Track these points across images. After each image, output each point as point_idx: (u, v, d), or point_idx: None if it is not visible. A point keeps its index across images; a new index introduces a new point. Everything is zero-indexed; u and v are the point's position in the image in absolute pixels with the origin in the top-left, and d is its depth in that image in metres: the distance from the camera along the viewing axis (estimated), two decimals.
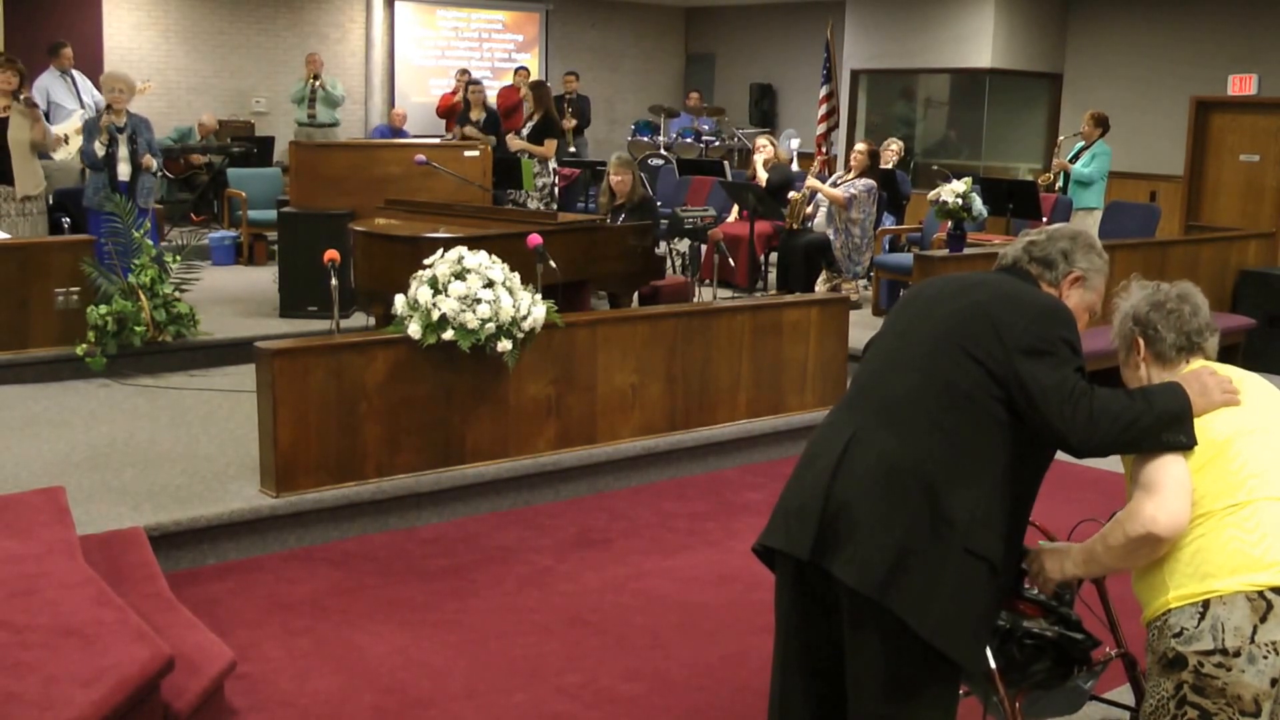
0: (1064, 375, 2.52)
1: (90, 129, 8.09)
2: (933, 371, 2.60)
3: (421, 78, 15.97)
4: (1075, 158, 10.46)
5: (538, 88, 11.27)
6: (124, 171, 8.08)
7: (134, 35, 13.91)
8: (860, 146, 9.75)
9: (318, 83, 12.90)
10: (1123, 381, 2.84)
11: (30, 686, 3.01)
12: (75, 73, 10.56)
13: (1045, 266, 2.79)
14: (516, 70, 14.37)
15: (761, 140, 10.10)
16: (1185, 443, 2.52)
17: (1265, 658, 2.38)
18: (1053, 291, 2.76)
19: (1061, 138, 11.98)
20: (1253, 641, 2.39)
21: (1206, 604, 2.43)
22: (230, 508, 4.91)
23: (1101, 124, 10.37)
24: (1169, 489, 2.48)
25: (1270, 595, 2.40)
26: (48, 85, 10.32)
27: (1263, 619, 2.39)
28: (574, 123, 13.77)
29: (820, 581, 2.61)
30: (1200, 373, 2.63)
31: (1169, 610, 2.49)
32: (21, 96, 8.17)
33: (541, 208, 10.40)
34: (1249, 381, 2.65)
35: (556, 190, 11.00)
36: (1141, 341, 2.73)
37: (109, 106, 8.09)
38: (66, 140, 9.20)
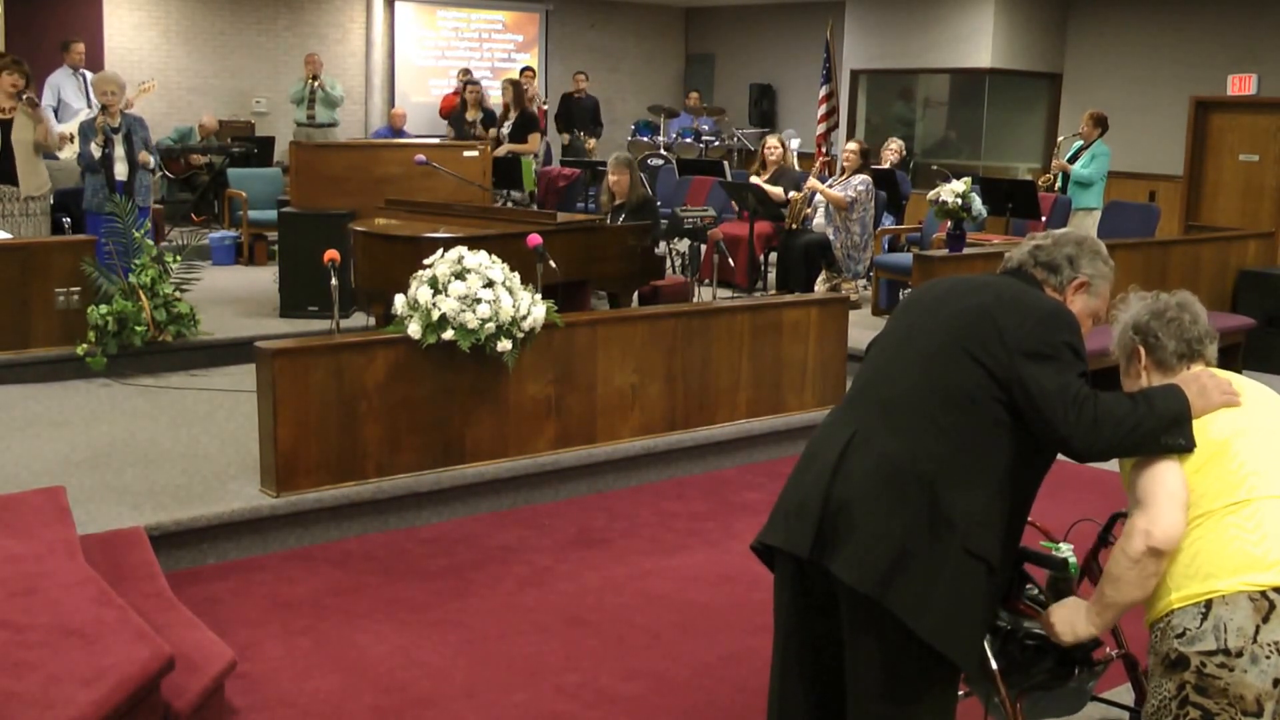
0: (1067, 380, 2.53)
1: (85, 132, 8.09)
2: (935, 372, 2.61)
3: (421, 78, 15.98)
4: (1074, 158, 10.46)
5: (514, 86, 11.37)
6: (121, 171, 8.09)
7: (134, 35, 13.92)
8: (851, 146, 9.75)
9: (316, 83, 12.89)
10: (1123, 389, 2.85)
11: (31, 686, 3.01)
12: (86, 72, 10.56)
13: (1050, 271, 2.79)
14: (522, 71, 14.39)
15: (772, 141, 10.06)
16: (1184, 445, 2.54)
17: (1268, 658, 2.39)
18: (1057, 297, 2.77)
19: (1060, 138, 11.98)
20: (1255, 641, 2.39)
21: (1209, 604, 2.44)
22: (230, 507, 4.92)
23: (1100, 124, 10.37)
24: (1160, 501, 2.51)
25: (1273, 595, 2.41)
26: (59, 83, 10.32)
27: (1265, 619, 2.40)
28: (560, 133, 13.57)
29: (819, 580, 2.62)
30: (1200, 375, 2.65)
31: (1171, 611, 2.49)
32: (25, 96, 8.17)
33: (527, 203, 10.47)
34: (1247, 385, 2.68)
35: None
36: (1142, 349, 2.74)
37: (104, 108, 8.09)
38: (72, 139, 9.20)
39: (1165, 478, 2.53)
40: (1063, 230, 2.90)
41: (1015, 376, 2.54)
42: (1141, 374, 2.76)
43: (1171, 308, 2.74)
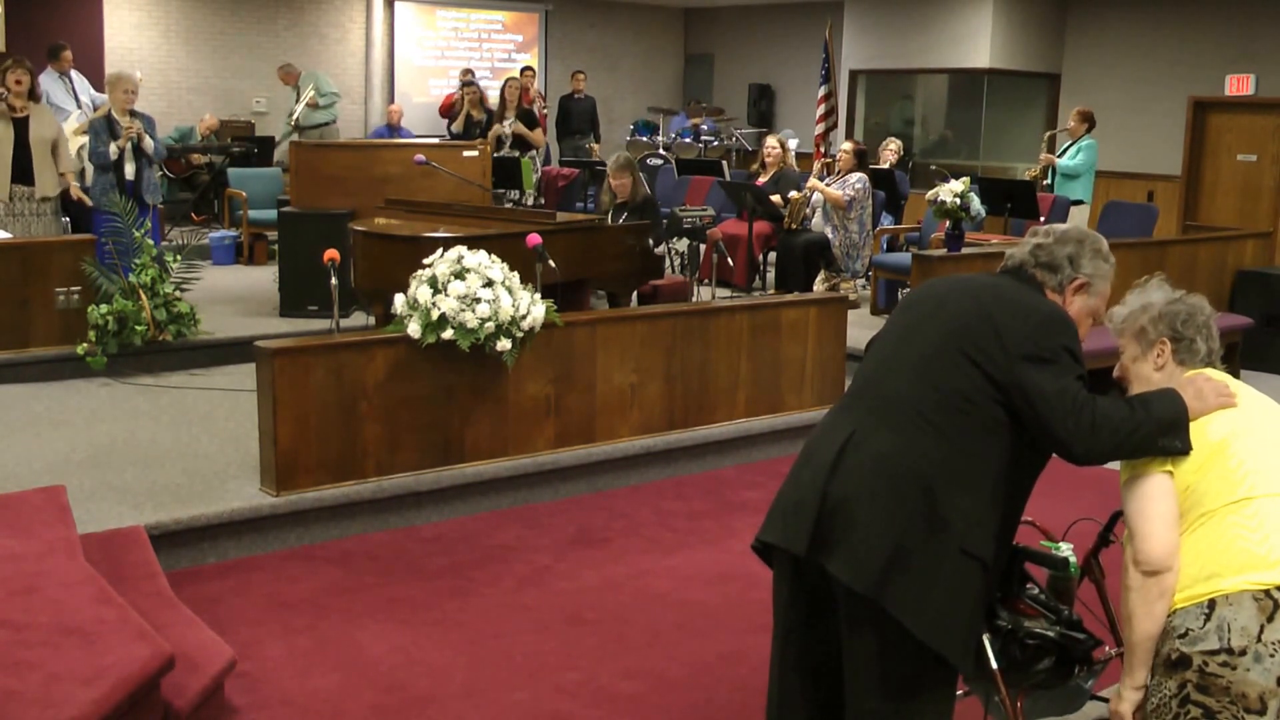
0: (1065, 384, 2.54)
1: (98, 130, 8.08)
2: (933, 373, 2.62)
3: (421, 78, 15.98)
4: (1062, 154, 10.49)
5: (517, 85, 11.43)
6: (130, 171, 8.09)
7: (134, 35, 13.92)
8: (846, 145, 9.75)
9: (297, 94, 12.73)
10: (1121, 374, 2.85)
11: (31, 685, 3.02)
12: (74, 73, 10.56)
13: (1050, 271, 2.79)
14: (523, 70, 14.38)
15: (771, 142, 10.05)
16: (1181, 448, 2.57)
17: (1272, 656, 2.39)
18: (1057, 298, 2.77)
19: (1049, 133, 11.98)
20: (1259, 640, 2.40)
21: (1212, 604, 2.45)
22: (230, 506, 4.92)
23: (1087, 120, 10.40)
24: (1141, 525, 2.55)
25: (1277, 594, 2.42)
26: (47, 87, 10.29)
27: (1270, 618, 2.40)
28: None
29: (817, 578, 2.63)
30: (1195, 378, 2.68)
31: (1174, 611, 2.50)
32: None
33: (530, 203, 10.45)
34: (1241, 388, 2.70)
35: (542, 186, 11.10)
36: (1170, 345, 2.76)
37: (131, 111, 8.09)
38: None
39: (1146, 502, 2.56)
40: (1064, 226, 2.88)
41: (1014, 380, 2.55)
42: (1156, 366, 2.77)
43: (1204, 312, 2.79)
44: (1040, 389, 2.53)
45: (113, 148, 7.96)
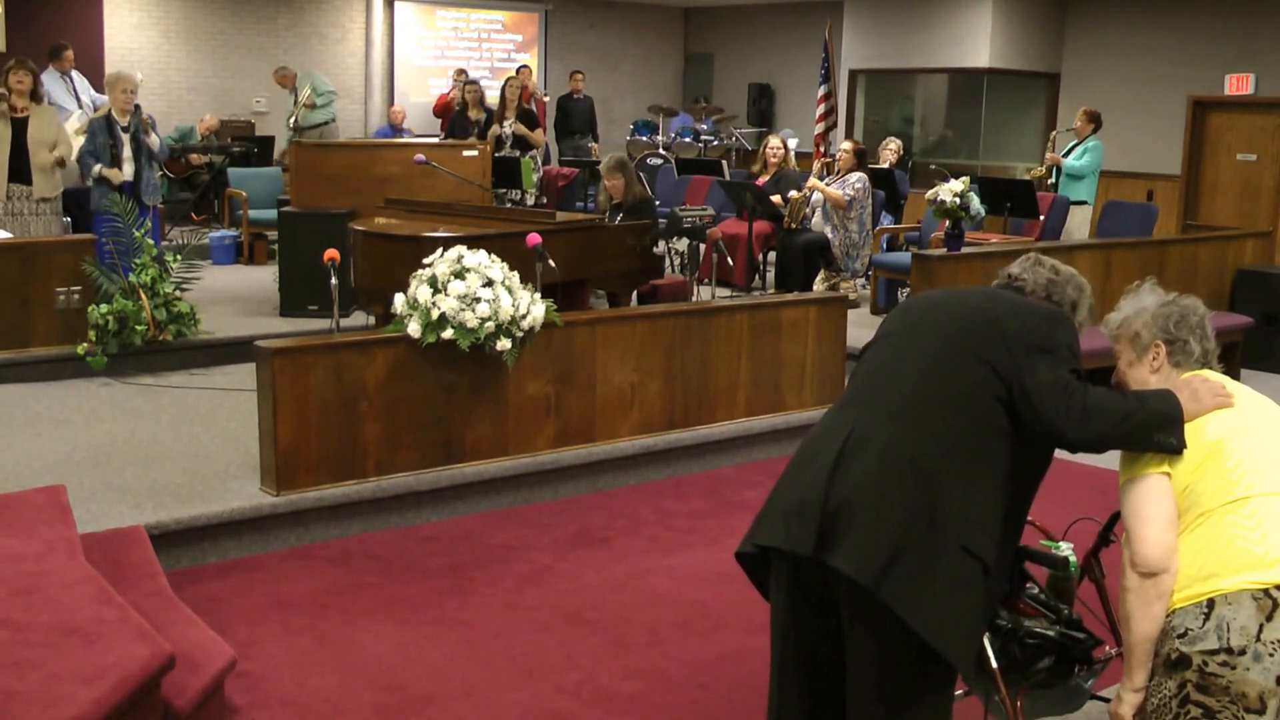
0: (1060, 374, 2.59)
1: (96, 131, 8.08)
2: (936, 373, 2.65)
3: (421, 78, 15.98)
4: (1068, 154, 10.49)
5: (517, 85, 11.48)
6: (128, 172, 8.09)
7: (134, 35, 13.93)
8: (846, 145, 9.75)
9: (295, 97, 12.75)
10: (1118, 379, 2.87)
11: (31, 684, 3.02)
12: (74, 73, 10.56)
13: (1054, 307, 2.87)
14: (519, 69, 14.38)
15: (774, 142, 10.05)
16: (1175, 445, 2.58)
17: (1271, 655, 2.39)
18: None
19: (1054, 132, 11.98)
20: (1259, 640, 2.40)
21: (1211, 603, 2.45)
22: (231, 506, 4.93)
23: (1094, 120, 10.40)
24: (1136, 528, 2.55)
25: (1275, 593, 2.42)
26: (48, 87, 10.31)
27: (1269, 617, 2.41)
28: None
29: (817, 580, 2.63)
30: (1191, 380, 2.69)
31: (1173, 611, 2.51)
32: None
33: (530, 203, 10.46)
34: (1238, 388, 2.71)
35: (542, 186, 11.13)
36: (1164, 347, 2.77)
37: (135, 108, 8.09)
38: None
39: (1143, 503, 2.57)
40: (1067, 268, 2.96)
41: (1015, 370, 2.60)
42: (1152, 369, 2.78)
43: (1198, 312, 2.80)
44: (1036, 376, 2.58)
45: (97, 168, 7.97)
